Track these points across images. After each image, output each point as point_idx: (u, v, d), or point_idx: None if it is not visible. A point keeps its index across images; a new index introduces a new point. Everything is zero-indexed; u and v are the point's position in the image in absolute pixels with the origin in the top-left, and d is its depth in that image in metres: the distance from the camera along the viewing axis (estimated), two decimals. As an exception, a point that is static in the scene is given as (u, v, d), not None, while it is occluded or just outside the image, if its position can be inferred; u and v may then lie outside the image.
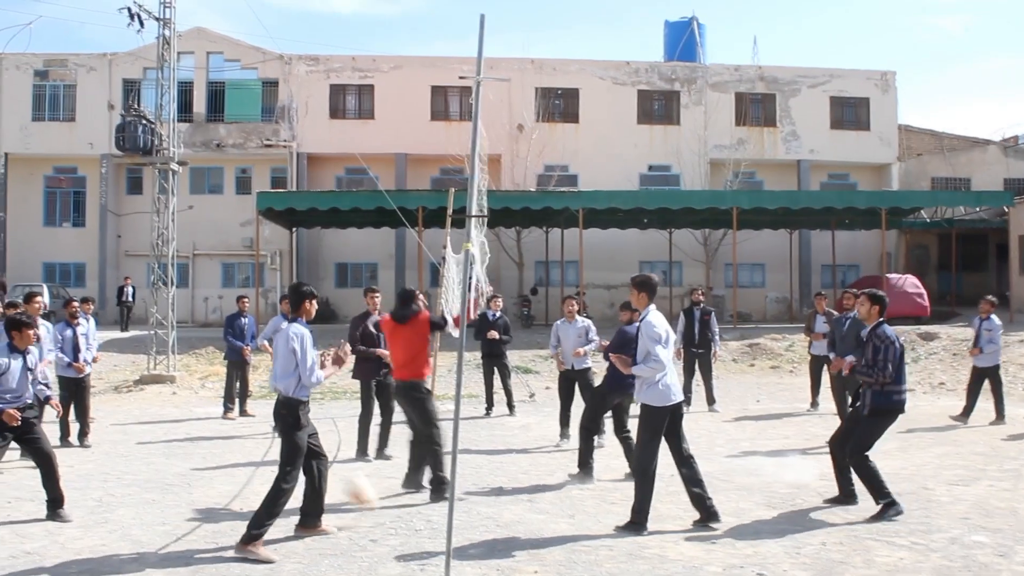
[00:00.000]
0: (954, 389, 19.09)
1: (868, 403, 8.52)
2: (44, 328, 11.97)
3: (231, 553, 7.22)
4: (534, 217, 32.09)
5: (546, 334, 21.27)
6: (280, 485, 7.36)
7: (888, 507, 8.24)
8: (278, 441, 11.75)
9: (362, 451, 11.52)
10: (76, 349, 12.92)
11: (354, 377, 12.13)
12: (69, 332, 12.90)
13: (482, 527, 8.04)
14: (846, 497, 8.79)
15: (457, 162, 34.72)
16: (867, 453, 8.43)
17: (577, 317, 12.86)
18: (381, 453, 11.53)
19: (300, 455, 7.48)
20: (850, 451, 8.51)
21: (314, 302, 7.78)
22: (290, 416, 7.44)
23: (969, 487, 9.57)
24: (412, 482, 9.58)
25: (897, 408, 8.59)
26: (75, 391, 13.01)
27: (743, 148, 38.43)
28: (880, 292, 9.04)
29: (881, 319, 8.76)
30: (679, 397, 8.07)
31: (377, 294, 12.45)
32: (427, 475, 9.36)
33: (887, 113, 39.95)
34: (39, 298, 11.95)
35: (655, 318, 8.02)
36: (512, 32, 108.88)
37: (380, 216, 30.62)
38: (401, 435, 13.76)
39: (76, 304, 13.40)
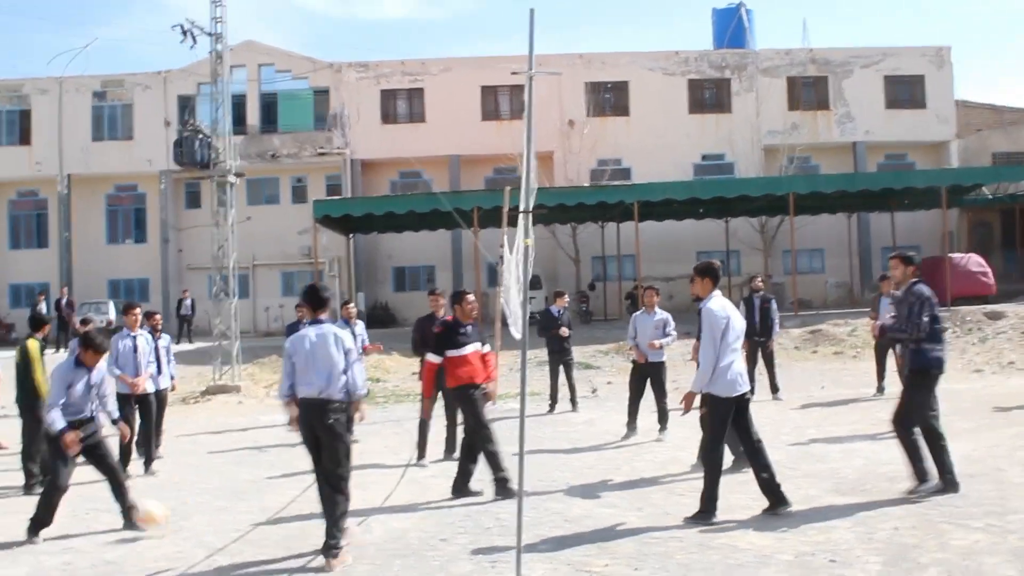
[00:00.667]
0: (1023, 368, 18.76)
1: (907, 364, 8.52)
2: (143, 339, 11.92)
3: (304, 560, 7.32)
4: (589, 212, 32.04)
5: (605, 329, 21.44)
6: (343, 490, 7.37)
7: (921, 484, 8.24)
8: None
9: (420, 454, 11.27)
10: (159, 361, 12.42)
11: (421, 379, 12.04)
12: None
13: (550, 523, 8.06)
14: (947, 486, 8.45)
15: (510, 161, 34.76)
16: (920, 427, 8.33)
17: (657, 308, 12.79)
18: (449, 455, 11.48)
19: (350, 457, 7.51)
20: (895, 417, 8.45)
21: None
22: (346, 417, 7.46)
23: (1044, 466, 9.39)
24: (460, 489, 9.41)
25: (934, 366, 8.42)
26: (157, 404, 12.37)
27: (797, 133, 38.02)
28: (911, 253, 9.00)
29: (915, 280, 8.63)
30: (745, 387, 8.01)
31: (442, 296, 12.38)
32: (477, 480, 9.35)
33: (943, 89, 39.26)
34: (137, 310, 11.96)
35: (717, 304, 7.98)
36: (559, 29, 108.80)
37: (435, 218, 30.79)
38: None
39: (158, 316, 13.23)
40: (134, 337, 11.72)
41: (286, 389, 7.56)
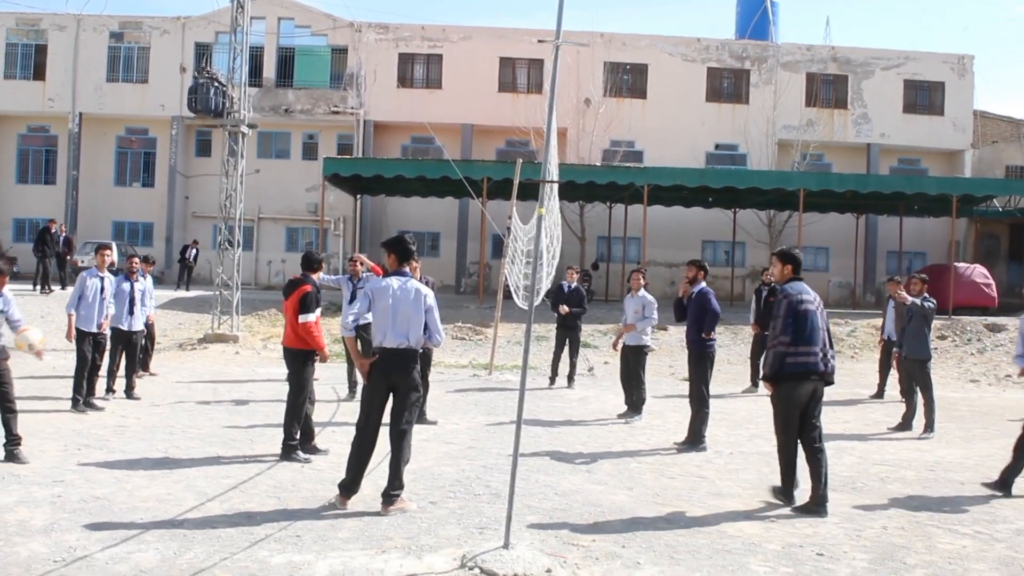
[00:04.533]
0: (1020, 382, 18.74)
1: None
2: (108, 281, 12.32)
3: (292, 507, 7.36)
4: (598, 192, 31.97)
5: (605, 309, 21.48)
6: (408, 441, 7.55)
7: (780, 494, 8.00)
8: (344, 404, 11.93)
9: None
10: (132, 303, 13.09)
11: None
12: (127, 286, 13.06)
13: (540, 494, 8.08)
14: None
15: (523, 134, 34.68)
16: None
17: (642, 291, 12.74)
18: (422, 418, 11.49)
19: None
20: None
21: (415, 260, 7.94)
22: (418, 366, 7.66)
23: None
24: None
25: (791, 371, 7.73)
26: (125, 344, 13.20)
27: (812, 130, 37.84)
28: (794, 251, 8.20)
29: (793, 278, 8.01)
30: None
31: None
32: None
33: (963, 98, 39.07)
34: (108, 251, 12.33)
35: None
36: (581, 8, 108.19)
37: (444, 186, 30.69)
38: (446, 404, 13.92)
39: (137, 260, 13.71)
40: (101, 278, 12.20)
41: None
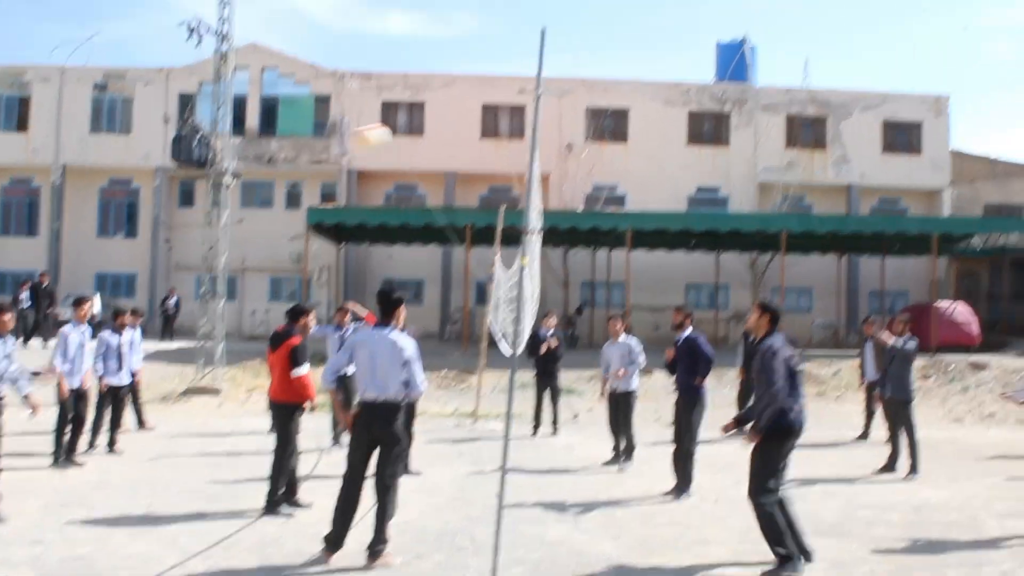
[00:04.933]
0: (1004, 420, 18.81)
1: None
2: (87, 335, 12.27)
3: (277, 563, 7.30)
4: (581, 237, 32.06)
5: (591, 355, 21.34)
6: (393, 496, 7.52)
7: (784, 563, 7.28)
8: (326, 456, 11.87)
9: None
10: (120, 357, 13.18)
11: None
12: (115, 339, 13.16)
13: (526, 545, 8.03)
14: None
15: (506, 181, 34.85)
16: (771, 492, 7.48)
17: (622, 336, 12.77)
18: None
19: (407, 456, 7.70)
20: (749, 488, 7.62)
21: (402, 309, 7.92)
22: (400, 418, 7.63)
23: (1021, 520, 9.38)
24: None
25: (785, 429, 7.54)
26: (112, 398, 13.20)
27: (792, 171, 38.16)
28: (776, 305, 8.05)
29: (772, 331, 7.88)
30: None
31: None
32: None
33: (940, 138, 39.47)
34: (87, 304, 12.27)
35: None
36: (563, 53, 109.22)
37: (428, 233, 30.77)
38: (431, 454, 13.85)
39: (127, 318, 13.76)
40: (82, 331, 12.17)
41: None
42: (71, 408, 11.83)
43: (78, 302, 12.39)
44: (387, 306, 7.82)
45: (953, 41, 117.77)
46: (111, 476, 11.19)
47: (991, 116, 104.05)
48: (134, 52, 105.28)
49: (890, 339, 12.46)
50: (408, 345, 7.63)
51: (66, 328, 12.14)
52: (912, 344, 12.33)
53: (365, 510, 7.61)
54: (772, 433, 7.48)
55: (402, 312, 7.88)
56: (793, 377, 7.59)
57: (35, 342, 26.15)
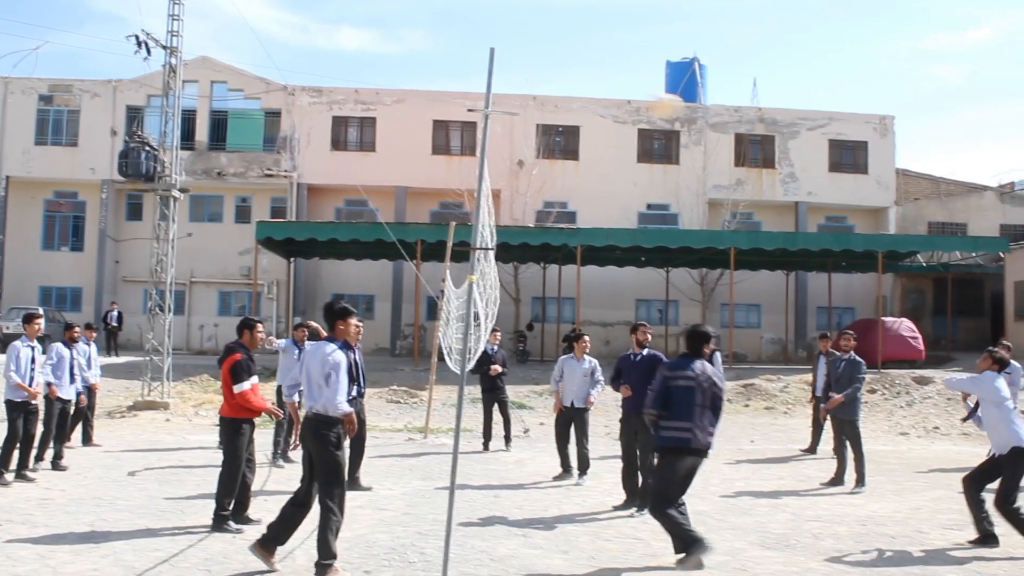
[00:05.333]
0: (948, 434, 19.11)
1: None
2: (38, 350, 12.03)
3: (224, 581, 7.22)
4: (532, 253, 32.13)
5: (541, 370, 21.43)
6: (331, 515, 7.40)
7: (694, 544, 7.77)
8: (276, 471, 11.75)
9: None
10: (71, 370, 13.04)
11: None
12: (67, 353, 13.03)
13: (476, 560, 8.02)
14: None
15: (457, 196, 34.86)
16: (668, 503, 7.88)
17: (585, 356, 12.78)
18: (354, 485, 11.29)
19: (342, 473, 7.59)
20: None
21: (350, 321, 7.85)
22: (332, 434, 7.52)
23: (964, 531, 9.52)
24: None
25: (665, 446, 8.00)
26: (59, 412, 13.03)
27: (741, 189, 38.62)
28: (700, 329, 8.31)
29: (687, 355, 8.22)
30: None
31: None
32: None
33: (885, 157, 40.18)
34: (38, 320, 12.01)
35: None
36: (515, 71, 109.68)
37: (378, 248, 30.66)
38: (381, 469, 13.79)
39: (78, 330, 13.63)
40: (32, 347, 11.88)
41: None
42: (20, 425, 11.58)
43: (28, 318, 12.10)
44: (330, 318, 7.85)
45: (898, 64, 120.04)
46: (53, 493, 11.00)
47: (936, 137, 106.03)
48: (81, 64, 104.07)
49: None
50: (332, 355, 7.58)
51: (16, 343, 11.91)
52: (861, 369, 12.48)
53: (311, 526, 7.55)
54: (658, 450, 8.17)
55: (350, 325, 7.83)
56: (671, 396, 7.92)
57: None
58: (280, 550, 7.73)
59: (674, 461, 7.91)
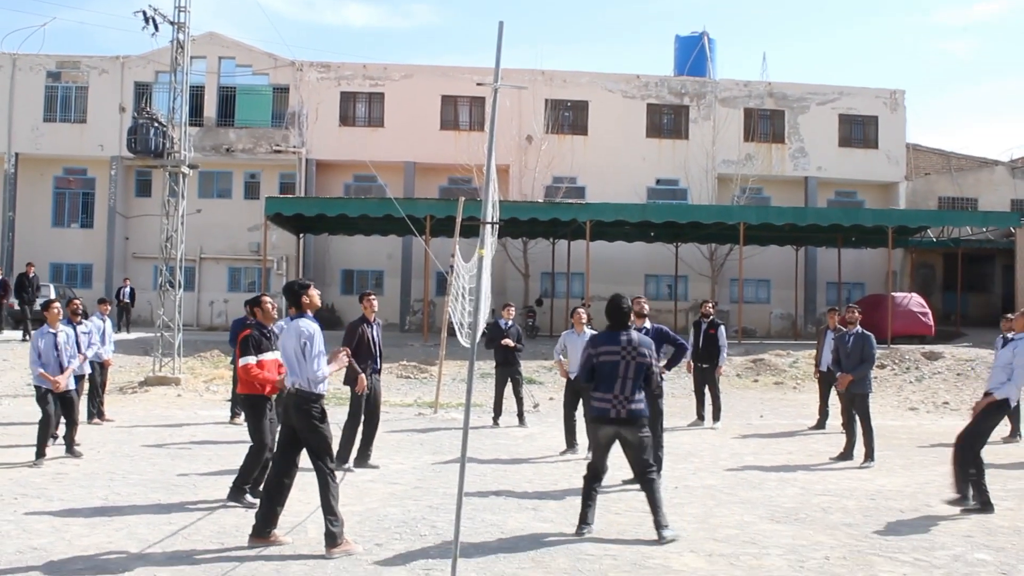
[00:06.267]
0: (958, 409, 19.09)
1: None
2: (63, 335, 11.95)
3: (236, 552, 7.28)
4: (541, 228, 32.12)
5: (550, 345, 21.44)
6: (328, 481, 7.46)
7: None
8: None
9: (343, 459, 10.95)
10: (78, 348, 12.83)
11: (345, 383, 11.59)
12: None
13: (487, 533, 8.07)
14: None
15: (466, 172, 34.82)
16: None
17: (586, 328, 12.82)
18: (364, 462, 11.38)
19: (331, 445, 7.66)
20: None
21: (311, 292, 7.88)
22: (315, 409, 7.58)
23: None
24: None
25: (593, 416, 8.34)
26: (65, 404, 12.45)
27: (751, 164, 38.48)
28: (617, 302, 8.43)
29: (612, 328, 8.45)
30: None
31: (373, 298, 12.20)
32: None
33: (895, 132, 39.99)
34: (55, 305, 11.96)
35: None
36: (523, 46, 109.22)
37: (387, 224, 30.68)
38: (391, 444, 13.86)
39: (78, 302, 13.77)
40: (54, 334, 11.73)
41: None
42: (52, 410, 11.53)
43: (45, 305, 12.02)
44: (294, 299, 7.86)
45: (910, 38, 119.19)
46: (67, 468, 11.08)
47: (946, 111, 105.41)
48: (89, 40, 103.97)
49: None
50: (307, 329, 7.64)
51: (36, 333, 11.90)
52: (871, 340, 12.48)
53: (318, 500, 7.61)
54: (587, 420, 8.56)
55: (311, 297, 7.85)
56: (596, 370, 8.23)
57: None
58: (290, 523, 7.78)
59: (595, 430, 8.31)
